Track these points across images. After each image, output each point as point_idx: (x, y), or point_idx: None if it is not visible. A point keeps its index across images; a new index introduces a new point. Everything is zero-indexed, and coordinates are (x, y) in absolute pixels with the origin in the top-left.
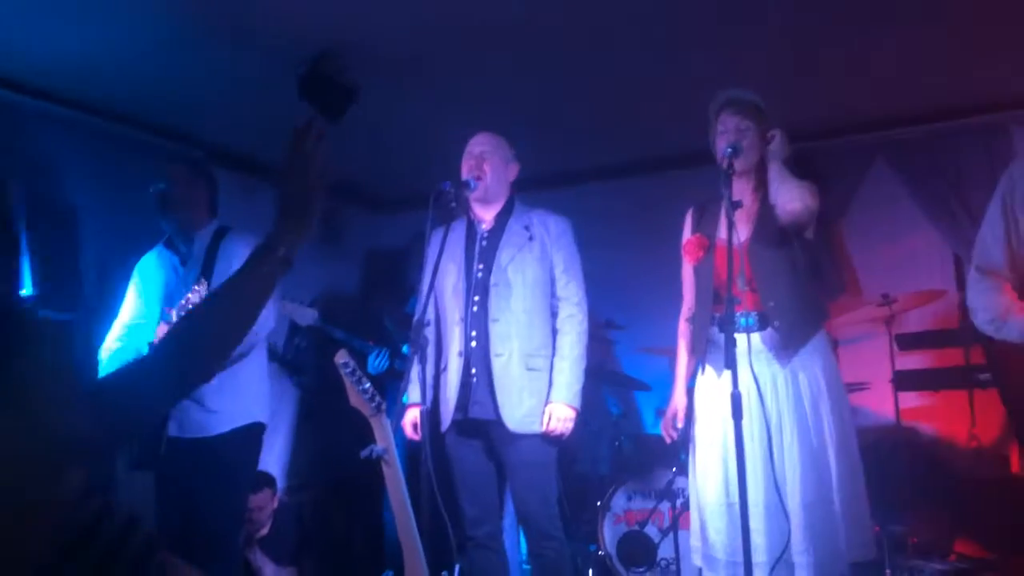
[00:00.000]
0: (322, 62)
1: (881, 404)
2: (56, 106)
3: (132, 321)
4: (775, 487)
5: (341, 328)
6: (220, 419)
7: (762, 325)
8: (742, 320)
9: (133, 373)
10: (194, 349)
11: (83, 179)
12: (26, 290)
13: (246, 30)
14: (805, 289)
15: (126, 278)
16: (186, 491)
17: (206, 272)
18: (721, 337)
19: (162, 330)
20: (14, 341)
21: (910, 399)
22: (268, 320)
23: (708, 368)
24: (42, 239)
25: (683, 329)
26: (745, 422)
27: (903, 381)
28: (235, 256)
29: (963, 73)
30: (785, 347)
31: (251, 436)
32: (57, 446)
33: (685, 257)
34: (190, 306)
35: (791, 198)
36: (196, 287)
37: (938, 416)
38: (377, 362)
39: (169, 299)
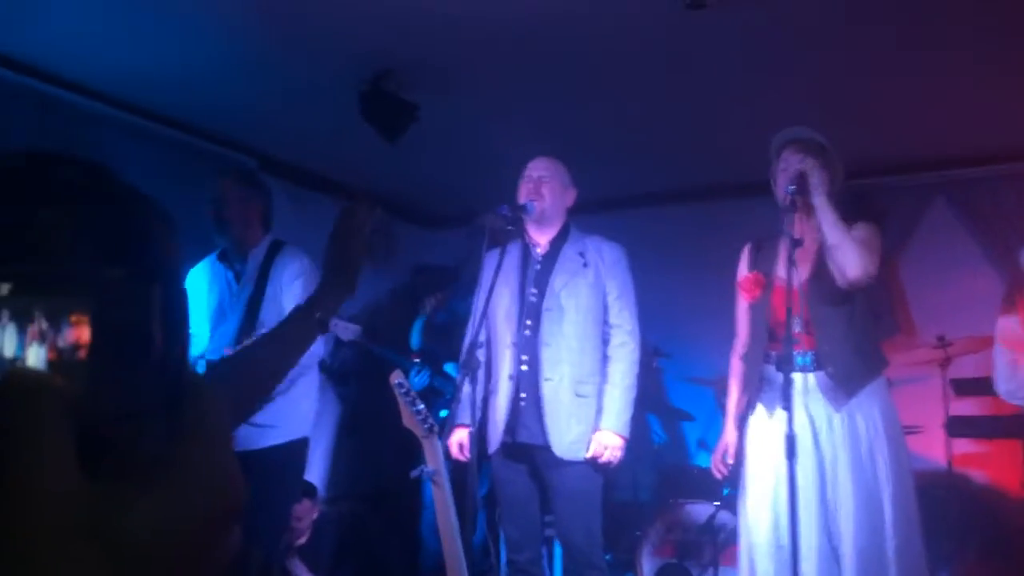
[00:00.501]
0: (383, 80)
1: (932, 449)
2: (112, 109)
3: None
4: (827, 531)
5: (383, 344)
6: (267, 433)
7: (818, 366)
8: (799, 360)
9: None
10: (229, 399)
11: (137, 184)
12: None
13: (307, 42)
14: (863, 334)
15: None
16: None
17: (259, 290)
18: (774, 375)
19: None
20: (193, 405)
21: (963, 445)
22: (319, 347)
23: (760, 407)
24: None
25: (735, 366)
26: (799, 463)
27: (957, 427)
28: (286, 273)
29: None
30: (839, 391)
31: (296, 450)
32: (229, 504)
33: (741, 294)
34: None
35: (851, 266)
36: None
37: (991, 464)
38: (417, 379)
39: (221, 314)
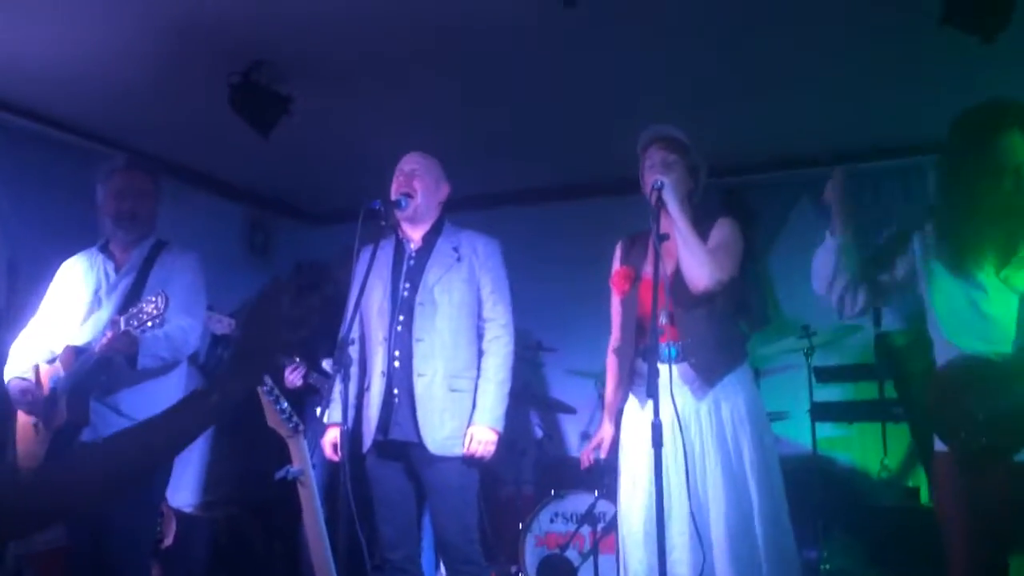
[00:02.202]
0: (255, 72)
1: (799, 434)
2: None
3: (50, 321)
4: (695, 518)
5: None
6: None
7: (683, 357)
8: (664, 351)
9: (66, 468)
10: (117, 473)
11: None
12: None
13: (178, 32)
14: (724, 327)
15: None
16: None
17: (140, 281)
18: (644, 367)
19: (107, 335)
20: None
21: (826, 430)
22: (193, 339)
23: (632, 398)
24: None
25: (611, 360)
26: (667, 451)
27: (820, 412)
28: (175, 265)
29: (885, 114)
30: (702, 381)
31: None
32: None
33: (613, 289)
34: (142, 315)
35: (698, 275)
36: (152, 298)
37: (853, 447)
38: (292, 376)
39: (96, 303)
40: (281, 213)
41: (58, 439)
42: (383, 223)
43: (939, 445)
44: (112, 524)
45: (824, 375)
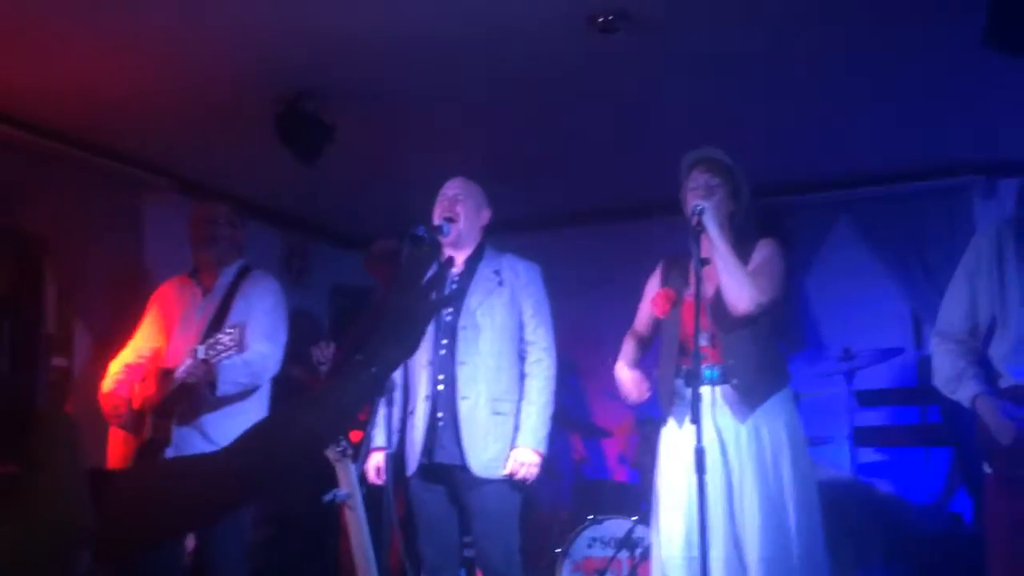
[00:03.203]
0: (300, 101)
1: (839, 459)
2: (28, 134)
3: (145, 344)
4: (735, 542)
5: (300, 364)
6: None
7: (724, 379)
8: (707, 373)
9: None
10: (274, 460)
11: (51, 208)
12: None
13: (224, 64)
14: (767, 349)
15: (89, 307)
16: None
17: (225, 305)
18: (684, 389)
19: (187, 363)
20: (39, 442)
21: (868, 454)
22: (272, 365)
23: (672, 420)
24: (4, 267)
25: (625, 345)
26: (708, 476)
27: (862, 437)
28: (256, 290)
29: (928, 136)
30: (744, 404)
31: None
32: (73, 534)
33: (653, 310)
34: (219, 347)
35: (738, 298)
36: (229, 330)
37: (895, 472)
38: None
39: (186, 327)
40: (318, 237)
41: (142, 455)
42: (426, 249)
43: (988, 468)
44: (207, 543)
45: (866, 399)
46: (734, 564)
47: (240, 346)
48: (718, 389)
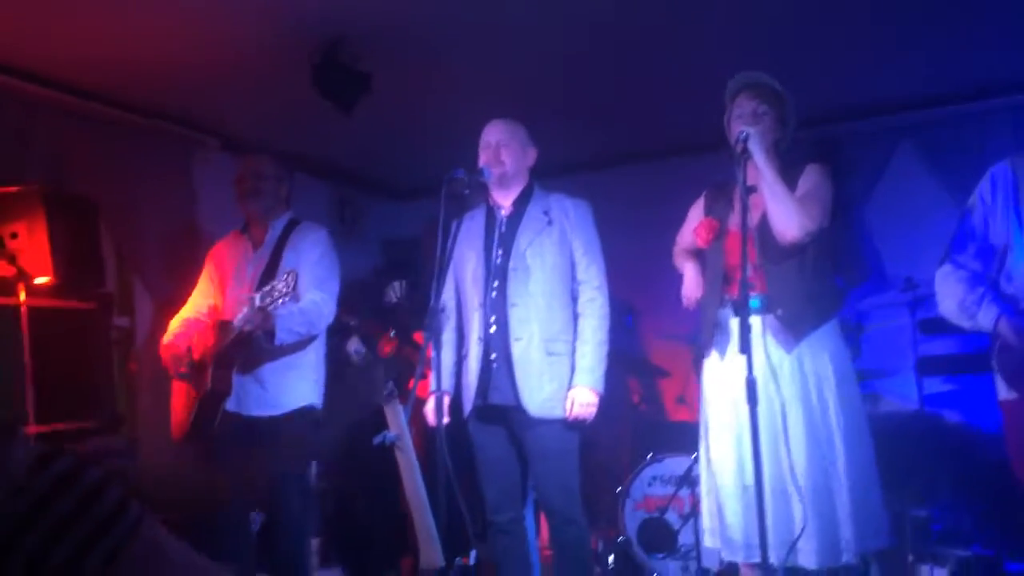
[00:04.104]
0: (335, 51)
1: (905, 390)
2: (67, 95)
3: (203, 300)
4: (785, 470)
5: (355, 314)
6: (278, 400)
7: (767, 309)
8: (751, 302)
9: None
10: None
11: (102, 169)
12: (47, 278)
13: (257, 16)
14: (813, 278)
15: (145, 265)
16: (243, 467)
17: (276, 257)
18: (727, 320)
19: (244, 312)
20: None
21: (935, 384)
22: (328, 312)
23: (715, 352)
24: (63, 229)
25: (675, 252)
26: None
27: (927, 366)
28: (306, 242)
29: (987, 53)
30: (788, 334)
31: (308, 418)
32: None
33: (696, 240)
34: (275, 293)
35: (786, 226)
36: (284, 276)
37: (961, 402)
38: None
39: (239, 281)
40: (369, 189)
41: (204, 406)
42: (467, 192)
43: (1004, 393)
44: (280, 507)
45: (930, 328)
46: (784, 492)
47: (295, 292)
48: (762, 319)
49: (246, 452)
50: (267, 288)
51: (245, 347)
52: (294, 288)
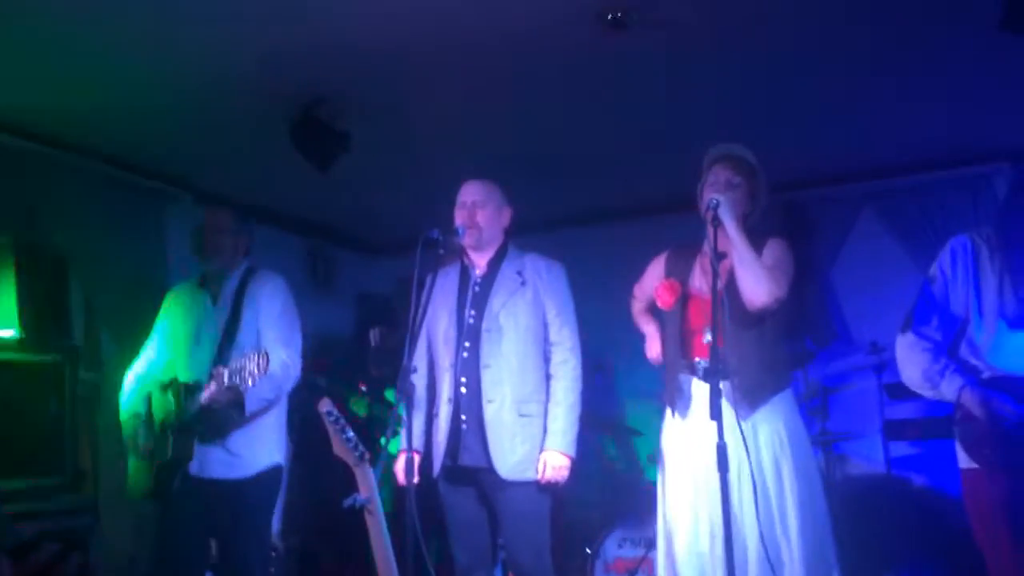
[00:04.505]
0: (314, 108)
1: (872, 452)
2: (44, 147)
3: (157, 357)
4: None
5: (325, 373)
6: (243, 463)
7: (726, 377)
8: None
9: None
10: None
11: (74, 220)
12: (14, 331)
13: (238, 74)
14: (771, 347)
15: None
16: (206, 529)
17: (235, 313)
18: (686, 384)
19: (211, 389)
20: None
21: (901, 448)
22: (294, 372)
23: (676, 415)
24: (32, 281)
25: (633, 304)
26: (705, 471)
27: (893, 430)
28: (262, 293)
29: (950, 125)
30: (744, 402)
31: (272, 478)
32: None
33: (657, 300)
34: (246, 374)
35: (755, 292)
36: (256, 357)
37: (929, 466)
38: (355, 407)
39: (198, 340)
40: (343, 244)
41: (163, 471)
42: (442, 252)
43: (965, 462)
44: (228, 552)
45: (896, 392)
46: (737, 562)
47: (265, 372)
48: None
49: (206, 514)
50: (238, 366)
51: (209, 418)
52: (266, 369)
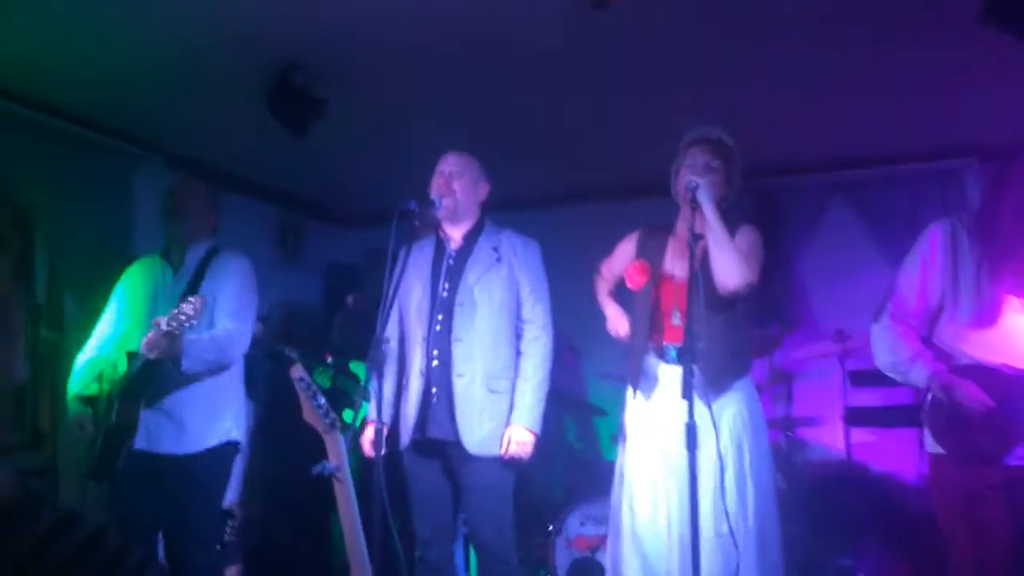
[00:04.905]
0: (291, 74)
1: (833, 439)
2: (15, 105)
3: (113, 330)
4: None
5: (292, 343)
6: (192, 437)
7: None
8: (672, 352)
9: None
10: None
11: (41, 180)
12: None
13: (214, 37)
14: (737, 332)
15: (78, 279)
16: (156, 508)
17: (193, 287)
18: (652, 366)
19: (148, 339)
20: None
21: (861, 435)
22: (240, 344)
23: (639, 395)
24: None
25: (598, 283)
26: (674, 453)
27: (855, 417)
28: (222, 274)
29: (921, 118)
30: (709, 386)
31: (225, 456)
32: None
33: (627, 280)
34: (181, 316)
35: (728, 275)
36: (191, 299)
37: (888, 453)
38: (319, 378)
39: (154, 308)
40: (313, 215)
41: (108, 440)
42: (417, 224)
43: (932, 447)
44: (176, 531)
45: (859, 379)
46: (688, 540)
47: (200, 317)
48: (681, 368)
49: (155, 493)
50: (174, 311)
51: (151, 377)
52: (200, 312)
